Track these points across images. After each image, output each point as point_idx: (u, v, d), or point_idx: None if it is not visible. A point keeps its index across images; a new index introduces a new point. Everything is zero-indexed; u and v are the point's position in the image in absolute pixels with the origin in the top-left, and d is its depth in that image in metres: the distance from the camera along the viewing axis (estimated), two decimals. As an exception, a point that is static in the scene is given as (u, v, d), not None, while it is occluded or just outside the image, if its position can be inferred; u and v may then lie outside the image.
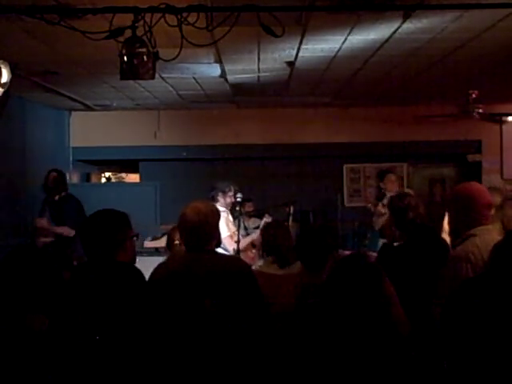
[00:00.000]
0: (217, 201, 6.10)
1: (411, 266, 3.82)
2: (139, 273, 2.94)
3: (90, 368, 2.67)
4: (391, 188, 7.37)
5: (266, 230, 4.26)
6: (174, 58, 3.75)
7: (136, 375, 2.65)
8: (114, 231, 2.93)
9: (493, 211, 5.15)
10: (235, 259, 4.09)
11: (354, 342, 1.93)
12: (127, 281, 2.84)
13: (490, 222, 3.44)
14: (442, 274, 3.30)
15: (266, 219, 5.98)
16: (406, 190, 7.48)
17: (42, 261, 2.94)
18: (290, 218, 6.84)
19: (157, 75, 4.01)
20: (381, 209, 7.00)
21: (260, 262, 4.17)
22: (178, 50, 3.58)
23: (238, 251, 5.60)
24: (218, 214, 3.49)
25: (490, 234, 3.33)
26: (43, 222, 6.33)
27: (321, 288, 2.08)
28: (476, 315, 2.44)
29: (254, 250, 5.89)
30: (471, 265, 3.22)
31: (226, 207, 6.08)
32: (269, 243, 4.09)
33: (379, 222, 6.79)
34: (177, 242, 4.35)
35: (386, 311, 1.97)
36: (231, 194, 6.17)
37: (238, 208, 5.85)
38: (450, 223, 3.60)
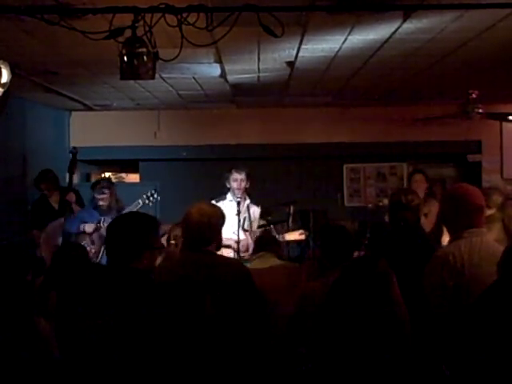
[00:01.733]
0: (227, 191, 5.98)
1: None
2: (152, 282, 2.79)
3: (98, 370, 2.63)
4: (416, 188, 7.19)
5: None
6: (173, 58, 3.75)
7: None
8: (139, 237, 2.71)
9: (493, 211, 5.14)
10: (233, 261, 4.10)
11: (359, 346, 1.90)
12: (140, 289, 2.68)
13: (483, 225, 3.39)
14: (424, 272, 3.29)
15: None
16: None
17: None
18: (290, 218, 6.83)
19: (157, 75, 4.02)
20: None
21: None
22: (178, 50, 3.58)
23: (238, 251, 5.58)
24: (222, 217, 3.49)
25: (479, 237, 3.28)
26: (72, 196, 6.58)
27: (328, 291, 2.04)
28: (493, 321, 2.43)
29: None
30: (448, 266, 3.19)
31: (234, 196, 5.87)
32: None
33: None
34: (173, 241, 4.35)
35: (392, 317, 1.93)
36: (235, 177, 5.89)
37: (237, 208, 5.81)
38: (443, 222, 3.57)
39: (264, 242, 4.43)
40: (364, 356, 1.89)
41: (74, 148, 6.59)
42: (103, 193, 6.31)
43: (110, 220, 6.07)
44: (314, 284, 3.54)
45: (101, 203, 6.30)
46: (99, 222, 6.22)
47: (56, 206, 6.71)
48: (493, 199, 5.09)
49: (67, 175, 6.61)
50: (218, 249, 3.54)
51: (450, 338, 2.91)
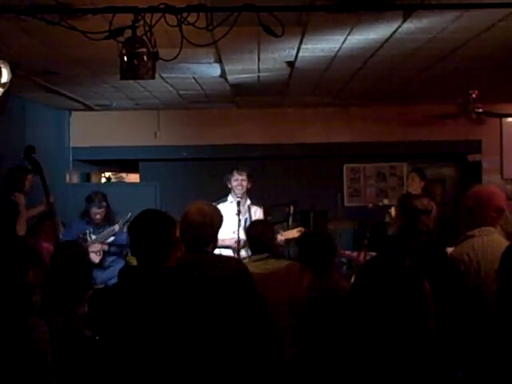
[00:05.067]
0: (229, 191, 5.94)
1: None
2: (193, 275, 2.82)
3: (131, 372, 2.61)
4: (413, 187, 7.22)
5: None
6: (173, 58, 3.75)
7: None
8: (168, 232, 2.76)
9: None
10: (232, 260, 4.08)
11: (388, 347, 1.80)
12: (185, 287, 2.70)
13: (496, 225, 3.40)
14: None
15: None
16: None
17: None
18: (290, 218, 6.82)
19: (157, 75, 4.01)
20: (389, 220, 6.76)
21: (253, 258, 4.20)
22: (177, 50, 3.59)
23: (238, 251, 5.57)
24: (221, 217, 3.48)
25: (489, 235, 3.30)
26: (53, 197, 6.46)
27: (353, 288, 1.96)
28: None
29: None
30: (464, 266, 3.22)
31: (234, 197, 5.87)
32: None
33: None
34: None
35: (426, 320, 1.84)
36: (235, 177, 5.91)
37: (237, 208, 5.80)
38: (461, 220, 3.57)
39: (259, 242, 4.33)
40: (390, 351, 1.81)
41: (29, 147, 6.36)
42: (101, 206, 6.30)
43: (98, 231, 6.15)
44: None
45: (98, 217, 6.27)
46: (84, 235, 6.22)
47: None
48: None
49: (67, 174, 6.58)
50: (214, 249, 3.54)
51: (467, 339, 2.91)
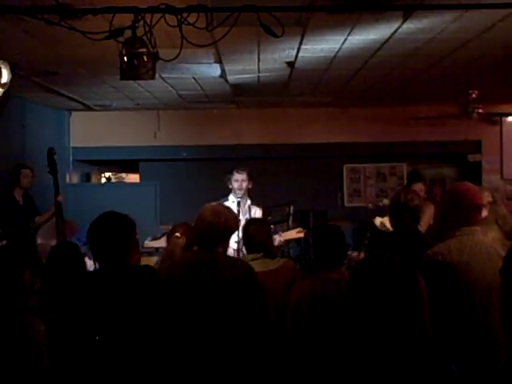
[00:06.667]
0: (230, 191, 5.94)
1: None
2: (155, 275, 2.86)
3: (100, 372, 2.64)
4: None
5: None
6: (174, 58, 3.75)
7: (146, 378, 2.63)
8: (128, 233, 2.82)
9: (485, 212, 5.06)
10: (242, 262, 4.09)
11: (382, 344, 1.81)
12: (148, 286, 2.76)
13: (477, 224, 3.35)
14: None
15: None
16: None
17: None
18: (290, 218, 6.82)
19: (157, 75, 4.02)
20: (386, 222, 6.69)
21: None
22: (178, 50, 3.59)
23: (238, 251, 5.57)
24: (236, 220, 3.49)
25: (470, 235, 3.24)
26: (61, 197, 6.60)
27: (348, 286, 1.97)
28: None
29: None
30: None
31: (235, 196, 5.81)
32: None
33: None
34: (178, 234, 4.33)
35: (420, 315, 1.85)
36: (236, 177, 5.83)
37: (237, 208, 5.80)
38: (437, 222, 3.54)
39: (254, 241, 4.30)
40: (385, 348, 1.82)
41: (52, 148, 6.54)
42: None
43: None
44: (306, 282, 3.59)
45: None
46: None
47: (20, 200, 6.66)
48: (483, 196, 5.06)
49: (67, 175, 6.61)
50: (225, 251, 3.55)
51: (455, 335, 2.91)
